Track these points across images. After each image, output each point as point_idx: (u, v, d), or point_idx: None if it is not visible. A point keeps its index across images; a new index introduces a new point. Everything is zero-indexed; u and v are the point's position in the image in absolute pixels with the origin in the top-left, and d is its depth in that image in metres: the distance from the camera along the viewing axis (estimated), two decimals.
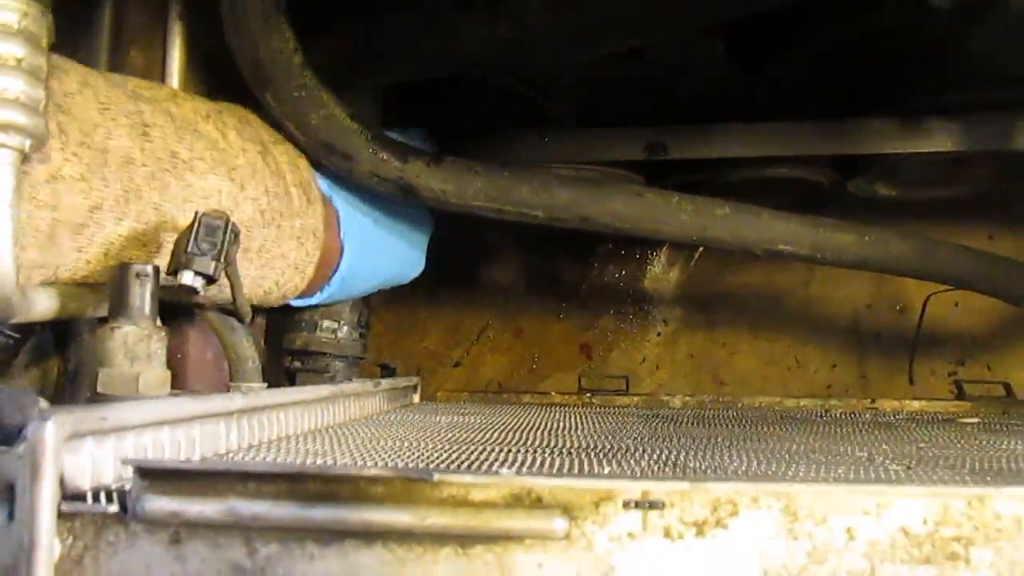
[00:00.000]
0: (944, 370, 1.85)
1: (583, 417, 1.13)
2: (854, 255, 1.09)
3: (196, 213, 0.73)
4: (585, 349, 2.01)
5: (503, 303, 2.02)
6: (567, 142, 1.10)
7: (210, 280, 0.73)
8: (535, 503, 0.49)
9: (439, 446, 0.77)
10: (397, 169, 1.00)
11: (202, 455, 0.66)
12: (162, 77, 0.98)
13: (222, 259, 0.73)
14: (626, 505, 0.49)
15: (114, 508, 0.51)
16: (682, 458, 0.73)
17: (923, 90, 0.99)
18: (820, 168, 1.14)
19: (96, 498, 0.51)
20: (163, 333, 0.71)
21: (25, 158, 0.62)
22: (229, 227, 0.73)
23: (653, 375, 1.98)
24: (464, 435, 0.87)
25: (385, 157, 0.99)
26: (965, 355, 1.83)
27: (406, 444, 0.78)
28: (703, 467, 0.68)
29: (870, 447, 0.85)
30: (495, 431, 0.92)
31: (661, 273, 1.99)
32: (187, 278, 0.73)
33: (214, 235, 0.73)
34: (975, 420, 1.17)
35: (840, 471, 0.65)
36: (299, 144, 0.97)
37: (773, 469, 0.67)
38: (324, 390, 0.94)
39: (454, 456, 0.70)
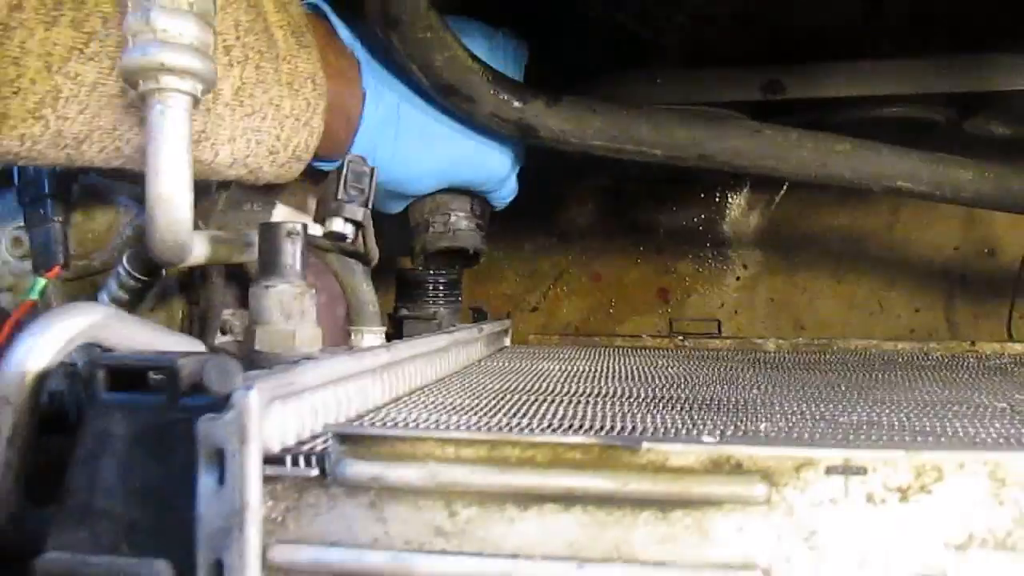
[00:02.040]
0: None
1: (688, 362, 1.13)
2: (973, 192, 1.06)
3: (344, 159, 0.72)
4: (663, 293, 2.00)
5: (580, 247, 2.01)
6: (680, 82, 1.08)
7: (359, 226, 0.73)
8: (735, 469, 0.49)
9: (574, 400, 0.77)
10: (517, 110, 0.99)
11: (357, 411, 0.67)
12: None
13: (369, 205, 0.73)
14: (828, 471, 0.49)
15: (315, 472, 0.52)
16: (828, 412, 0.72)
17: None
18: (937, 107, 1.11)
19: (295, 462, 0.52)
20: (313, 291, 0.72)
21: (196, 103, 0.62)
22: (375, 173, 0.73)
23: (732, 319, 1.97)
24: (587, 386, 0.87)
25: (505, 98, 0.98)
26: None
27: (540, 396, 0.79)
28: (857, 421, 0.68)
29: (1004, 396, 0.84)
30: (614, 380, 0.92)
31: (741, 216, 1.97)
32: (337, 225, 0.73)
33: (361, 181, 0.73)
34: None
35: (1011, 428, 0.64)
36: (423, 85, 0.96)
37: (930, 424, 0.66)
38: (442, 339, 0.94)
39: (599, 413, 0.71)
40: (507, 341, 1.46)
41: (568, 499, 0.50)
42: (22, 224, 1.04)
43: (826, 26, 1.02)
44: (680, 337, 1.45)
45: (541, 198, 1.93)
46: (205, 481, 0.49)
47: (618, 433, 0.61)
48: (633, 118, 1.00)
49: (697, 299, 1.98)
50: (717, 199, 1.96)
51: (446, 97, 0.97)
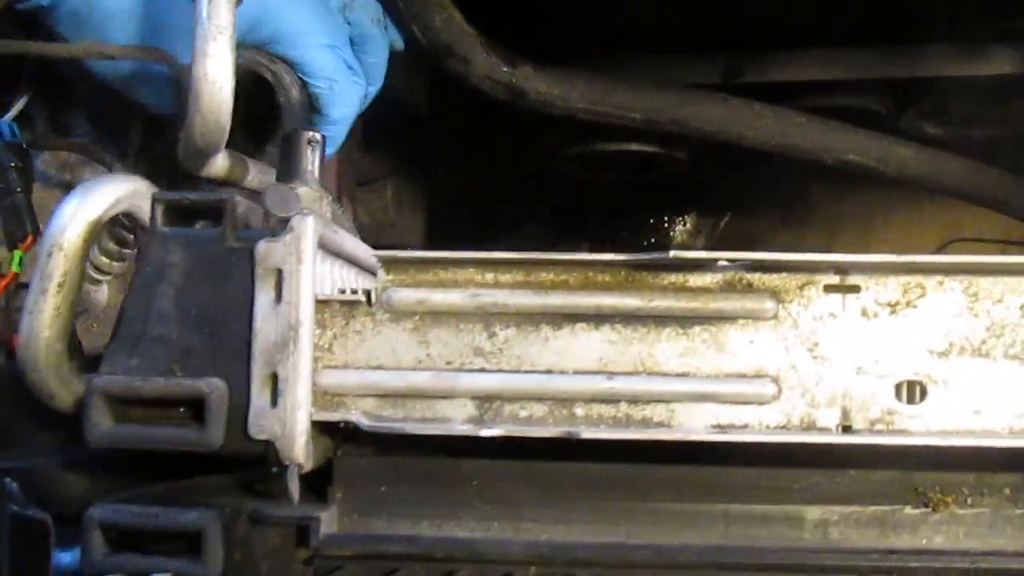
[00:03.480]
0: None
1: None
2: (914, 170, 1.15)
3: None
4: None
5: None
6: (644, 69, 1.17)
7: None
8: (746, 288, 0.55)
9: None
10: (508, 73, 1.05)
11: None
12: None
13: None
14: (827, 289, 0.55)
15: (362, 298, 0.56)
16: None
17: (989, 15, 1.07)
18: (879, 97, 1.22)
19: (342, 291, 0.56)
20: (330, 196, 0.76)
21: None
22: None
23: None
24: None
25: (496, 61, 1.04)
26: None
27: None
28: None
29: None
30: None
31: (687, 239, 2.06)
32: None
33: None
34: None
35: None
36: (421, 46, 1.01)
37: None
38: None
39: None
40: None
41: (598, 317, 0.55)
42: None
43: (782, 14, 1.13)
44: None
45: (487, 224, 2.00)
46: (262, 300, 0.53)
47: None
48: (613, 84, 1.08)
49: None
50: (665, 224, 2.05)
51: (442, 59, 1.04)
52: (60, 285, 0.58)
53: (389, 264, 0.56)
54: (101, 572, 0.52)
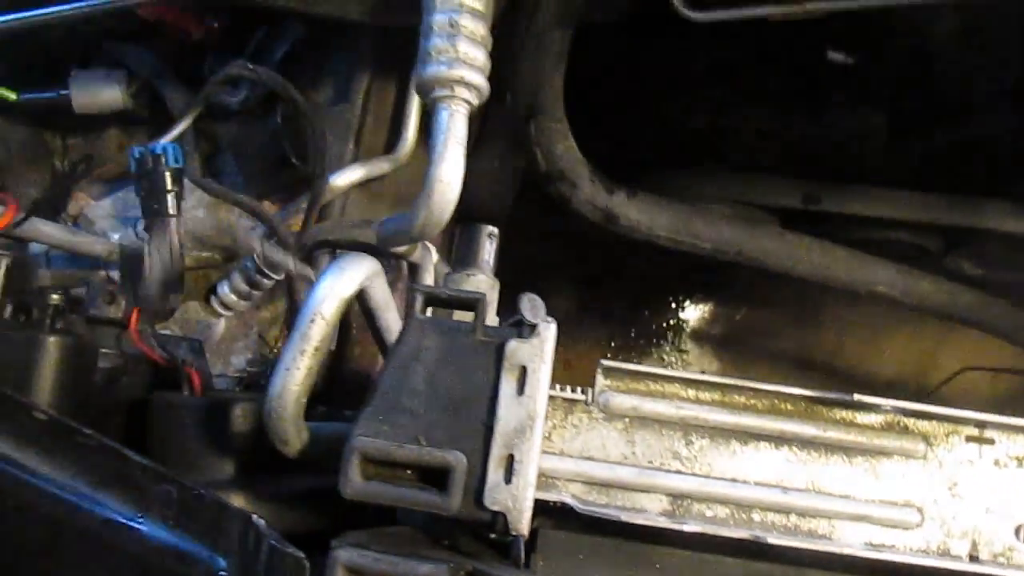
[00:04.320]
0: None
1: None
2: (932, 301, 1.29)
3: None
4: None
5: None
6: (736, 183, 1.29)
7: None
8: (903, 430, 0.66)
9: None
10: (606, 199, 1.16)
11: None
12: None
13: None
14: (968, 439, 0.66)
15: (581, 397, 0.65)
16: None
17: None
18: (932, 237, 1.36)
19: (562, 388, 0.65)
20: (498, 285, 0.85)
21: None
22: None
23: None
24: None
25: (599, 188, 1.16)
26: None
27: None
28: None
29: None
30: None
31: (704, 327, 2.18)
32: None
33: None
34: None
35: None
36: (540, 169, 1.12)
37: None
38: None
39: None
40: None
41: (779, 439, 0.65)
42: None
43: (857, 155, 1.26)
44: None
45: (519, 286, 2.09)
46: (506, 390, 0.62)
47: None
48: (692, 216, 1.19)
49: None
50: (685, 309, 2.17)
51: (554, 181, 1.14)
52: (316, 349, 0.66)
53: (609, 371, 0.65)
54: None
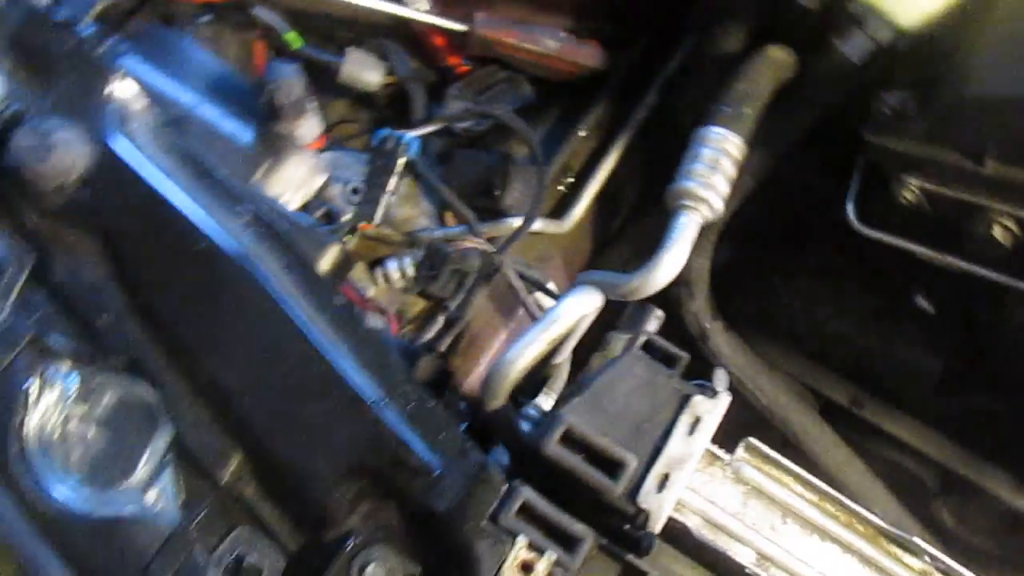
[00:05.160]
0: None
1: None
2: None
3: None
4: None
5: None
6: (804, 365, 1.53)
7: None
8: None
9: None
10: (709, 320, 1.38)
11: None
12: None
13: None
14: None
15: (724, 457, 0.86)
16: None
17: None
18: (935, 475, 1.59)
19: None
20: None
21: None
22: None
23: None
24: None
25: (708, 307, 1.38)
26: None
27: None
28: None
29: None
30: None
31: None
32: None
33: None
34: None
35: None
36: None
37: None
38: None
39: None
40: None
41: (848, 548, 0.86)
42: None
43: (911, 384, 1.51)
44: None
45: None
46: (680, 428, 0.83)
47: None
48: (762, 372, 1.42)
49: None
50: None
51: (679, 284, 1.37)
52: (551, 342, 0.86)
53: (750, 447, 0.86)
54: (510, 529, 0.78)
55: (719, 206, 0.99)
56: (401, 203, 1.38)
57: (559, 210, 1.46)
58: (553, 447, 0.80)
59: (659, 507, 0.80)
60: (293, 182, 1.04)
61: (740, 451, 0.87)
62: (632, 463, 0.81)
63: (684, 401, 0.84)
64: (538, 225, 1.37)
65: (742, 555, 0.84)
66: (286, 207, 0.95)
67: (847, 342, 1.49)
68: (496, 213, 1.35)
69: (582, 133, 1.47)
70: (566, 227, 1.44)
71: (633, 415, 0.83)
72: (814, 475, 0.88)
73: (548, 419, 0.83)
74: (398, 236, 1.35)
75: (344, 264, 1.00)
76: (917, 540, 0.85)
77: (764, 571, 0.83)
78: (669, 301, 1.41)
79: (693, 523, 0.84)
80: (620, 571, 0.82)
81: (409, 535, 0.82)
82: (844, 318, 1.49)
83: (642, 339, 0.86)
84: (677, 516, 0.83)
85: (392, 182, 1.28)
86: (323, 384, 0.82)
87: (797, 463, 0.87)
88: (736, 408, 0.86)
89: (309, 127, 1.11)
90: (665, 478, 0.81)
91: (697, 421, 0.83)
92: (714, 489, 0.85)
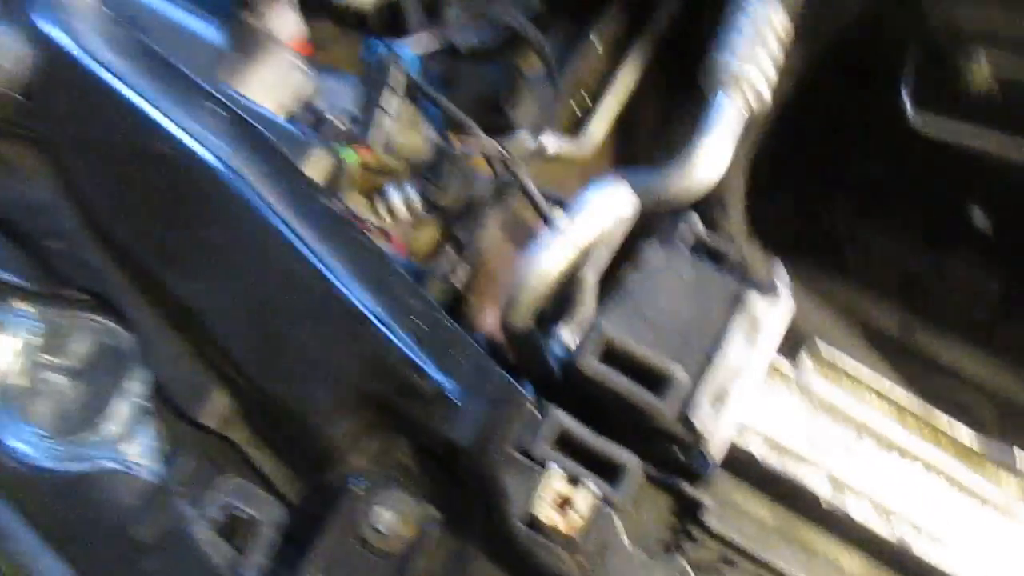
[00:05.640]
0: None
1: None
2: None
3: None
4: None
5: None
6: (850, 289, 1.42)
7: None
8: None
9: None
10: (741, 241, 1.26)
11: None
12: None
13: None
14: None
15: (791, 373, 0.73)
16: None
17: None
18: (991, 408, 1.48)
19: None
20: None
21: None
22: None
23: None
24: None
25: (740, 229, 1.26)
26: None
27: None
28: None
29: None
30: None
31: None
32: None
33: None
34: None
35: None
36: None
37: None
38: None
39: None
40: None
41: (932, 469, 0.73)
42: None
43: (966, 308, 1.39)
44: None
45: None
46: (736, 333, 0.70)
47: None
48: (802, 299, 1.31)
49: None
50: None
51: (713, 203, 1.25)
52: (580, 248, 0.74)
53: (818, 358, 0.74)
54: (543, 460, 0.66)
55: (766, 94, 0.86)
56: (402, 130, 1.25)
57: (575, 133, 1.33)
58: (592, 363, 0.68)
59: (716, 428, 0.68)
60: (270, 84, 0.91)
61: (804, 359, 0.74)
62: (682, 377, 0.68)
63: (738, 302, 0.71)
64: (553, 147, 1.24)
65: (815, 482, 0.71)
66: (265, 109, 0.82)
67: (896, 264, 1.36)
68: (506, 131, 1.22)
69: (596, 46, 1.33)
70: (585, 150, 1.31)
71: (681, 323, 0.71)
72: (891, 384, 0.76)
73: (583, 334, 0.70)
74: (401, 164, 1.22)
75: (336, 175, 0.88)
76: (1017, 452, 0.73)
77: (842, 499, 0.71)
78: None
79: (756, 447, 0.72)
80: (672, 504, 0.70)
81: (425, 474, 0.70)
82: (892, 237, 1.36)
83: (685, 231, 0.73)
84: (739, 441, 0.71)
85: (390, 101, 1.15)
86: (316, 301, 0.70)
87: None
88: None
89: (285, 19, 0.98)
90: (722, 394, 0.69)
91: (756, 324, 0.71)
92: (777, 405, 0.73)
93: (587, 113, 1.34)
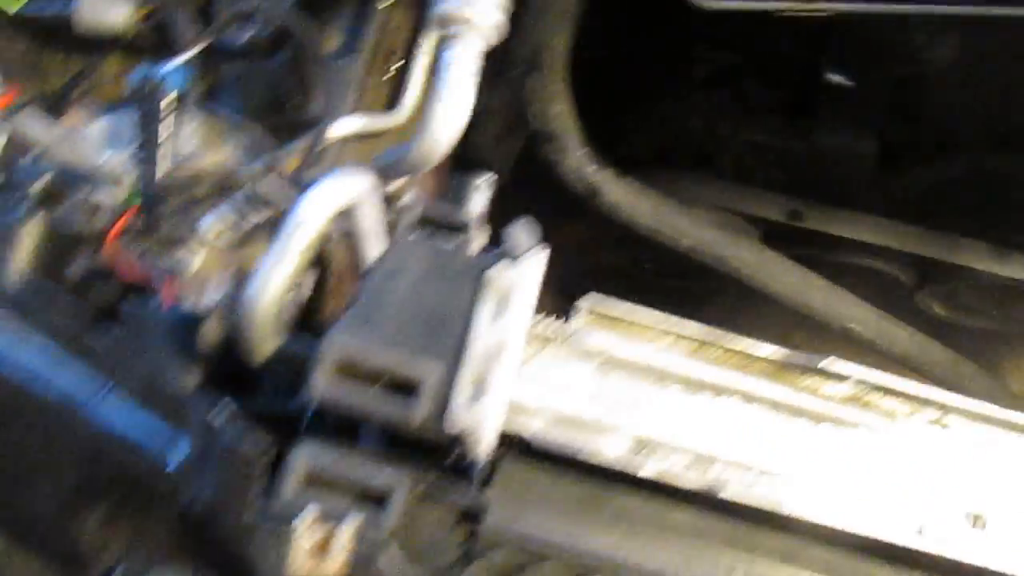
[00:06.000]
0: None
1: None
2: (901, 350, 1.32)
3: None
4: None
5: None
6: (724, 191, 1.31)
7: None
8: (866, 405, 0.67)
9: None
10: (592, 173, 1.17)
11: None
12: None
13: None
14: (930, 422, 0.67)
15: (558, 331, 0.65)
16: None
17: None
18: (906, 269, 1.38)
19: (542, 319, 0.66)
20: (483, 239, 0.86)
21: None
22: None
23: None
24: None
25: (587, 160, 1.17)
26: None
27: None
28: None
29: None
30: None
31: None
32: None
33: None
34: None
35: None
36: (534, 127, 1.13)
37: None
38: None
39: None
40: None
41: (748, 396, 0.66)
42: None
43: (844, 178, 1.29)
44: None
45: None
46: (484, 313, 0.62)
47: None
48: (676, 210, 1.21)
49: None
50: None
51: (542, 143, 1.16)
52: (301, 255, 0.66)
53: (591, 310, 0.66)
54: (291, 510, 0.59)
55: (495, 20, 0.77)
56: (203, 148, 1.17)
57: (393, 101, 1.24)
58: (319, 387, 0.61)
59: (478, 423, 0.61)
60: None
61: (578, 316, 0.66)
62: (433, 376, 0.61)
63: (481, 276, 0.63)
64: (362, 124, 1.15)
65: (612, 447, 0.64)
66: None
67: (764, 150, 1.27)
68: (305, 127, 1.13)
69: (384, 4, 1.23)
70: (402, 118, 1.21)
71: (427, 314, 0.63)
72: (687, 319, 0.68)
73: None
74: (204, 189, 1.14)
75: (52, 240, 0.80)
76: (834, 361, 0.65)
77: (644, 460, 0.64)
78: (544, 166, 1.20)
79: (537, 427, 0.64)
80: (456, 515, 0.63)
81: (184, 544, 0.63)
82: (751, 124, 1.27)
83: (410, 215, 0.65)
84: (512, 427, 0.64)
85: (161, 129, 1.06)
86: (16, 404, 0.63)
87: (657, 309, 0.67)
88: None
89: None
90: (480, 382, 0.61)
91: (505, 297, 0.63)
92: (558, 375, 0.65)
93: (401, 77, 1.25)
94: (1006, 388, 1.46)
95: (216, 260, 1.18)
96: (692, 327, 0.66)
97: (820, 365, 0.66)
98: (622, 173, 1.21)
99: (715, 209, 1.31)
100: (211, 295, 1.21)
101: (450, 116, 0.73)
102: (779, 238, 1.32)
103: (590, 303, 0.67)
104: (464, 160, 1.42)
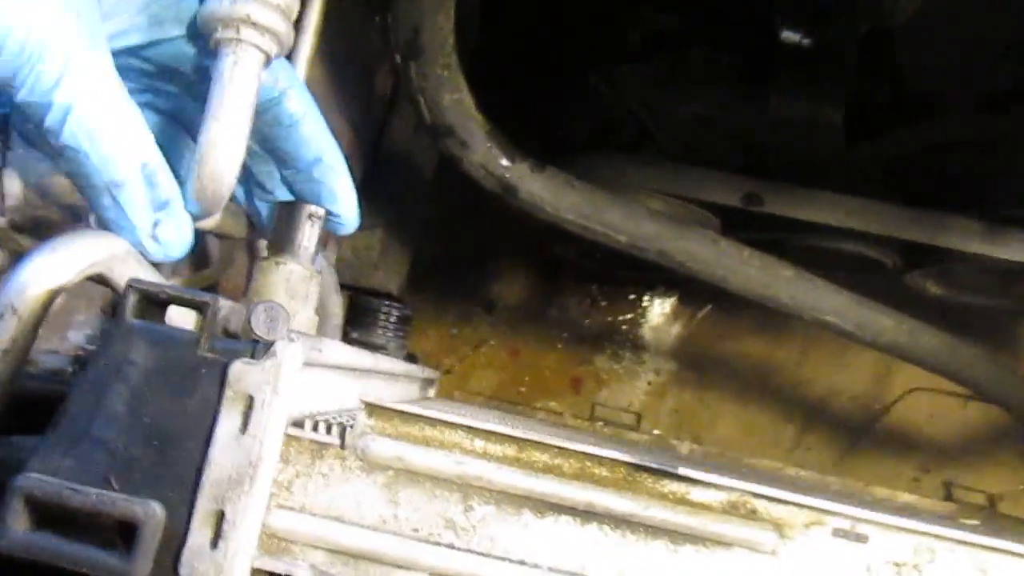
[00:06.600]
0: (908, 475, 1.92)
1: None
2: (889, 340, 1.15)
3: None
4: (575, 383, 2.03)
5: (505, 321, 2.03)
6: (668, 174, 1.13)
7: None
8: (750, 515, 0.51)
9: None
10: (504, 168, 1.01)
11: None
12: None
13: None
14: (835, 533, 0.51)
15: (335, 440, 0.50)
16: None
17: (1015, 200, 1.06)
18: (890, 252, 1.20)
19: (315, 428, 0.51)
20: (319, 278, 0.70)
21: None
22: None
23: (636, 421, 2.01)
24: None
25: (496, 153, 1.00)
26: (929, 464, 1.91)
27: None
28: None
29: None
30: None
31: (663, 325, 2.04)
32: None
33: None
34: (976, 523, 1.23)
35: None
36: (424, 121, 0.97)
37: None
38: (400, 366, 0.94)
39: None
40: (432, 392, 1.45)
41: (586, 514, 0.50)
42: None
43: (808, 155, 1.11)
44: (601, 423, 1.47)
45: (474, 269, 1.98)
46: (225, 426, 0.47)
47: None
48: (607, 203, 1.04)
49: (607, 394, 2.02)
50: (644, 304, 2.02)
51: (442, 137, 0.99)
52: (6, 352, 0.51)
53: (372, 409, 0.51)
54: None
55: (278, 23, 0.60)
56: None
57: None
58: (11, 538, 0.46)
59: (221, 573, 0.46)
60: None
61: (360, 419, 0.51)
62: (150, 516, 0.46)
63: (220, 377, 0.48)
64: None
65: None
66: None
67: (712, 125, 1.09)
68: None
69: None
70: None
71: (149, 429, 0.48)
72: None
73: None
74: (55, 215, 1.00)
75: None
76: (687, 471, 0.49)
77: None
78: (452, 164, 1.04)
79: (312, 563, 0.49)
80: None
81: None
82: (697, 95, 1.08)
83: (129, 297, 0.49)
84: (278, 566, 0.49)
85: None
86: None
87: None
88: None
89: None
90: (219, 520, 0.47)
91: (250, 404, 0.48)
92: (336, 496, 0.50)
93: None
94: (1014, 373, 1.28)
95: (78, 298, 1.06)
96: (503, 429, 0.50)
97: (679, 471, 0.49)
98: (549, 162, 1.04)
99: (660, 196, 1.13)
100: (75, 337, 1.08)
101: (223, 149, 0.58)
102: (737, 225, 1.14)
103: (369, 404, 0.51)
104: (383, 155, 1.25)
